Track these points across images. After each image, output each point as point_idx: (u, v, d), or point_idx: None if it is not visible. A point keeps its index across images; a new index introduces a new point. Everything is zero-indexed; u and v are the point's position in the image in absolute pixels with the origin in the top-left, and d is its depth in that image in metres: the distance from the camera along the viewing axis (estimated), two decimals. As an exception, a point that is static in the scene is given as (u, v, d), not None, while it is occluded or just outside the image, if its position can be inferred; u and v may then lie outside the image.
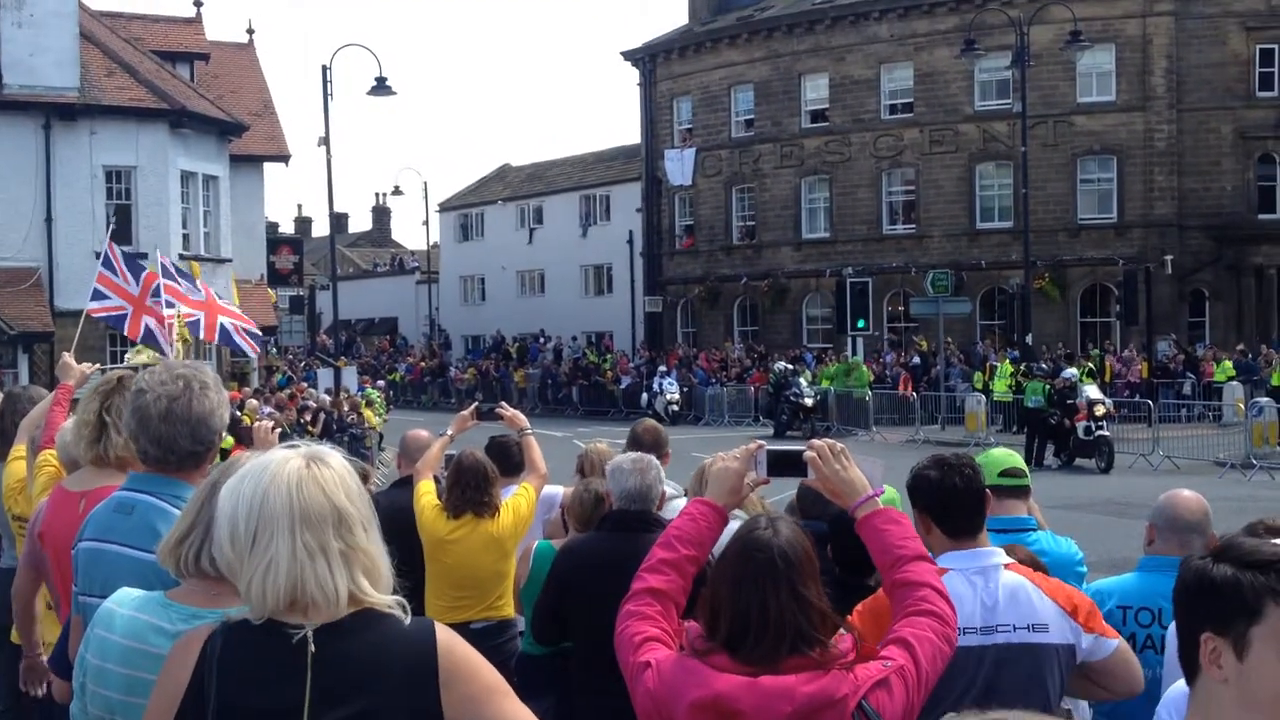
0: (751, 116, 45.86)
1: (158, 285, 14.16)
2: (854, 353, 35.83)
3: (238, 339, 16.73)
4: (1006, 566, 3.72)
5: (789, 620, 2.76)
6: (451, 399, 45.15)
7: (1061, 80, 39.08)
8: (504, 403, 7.13)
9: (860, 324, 33.28)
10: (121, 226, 30.13)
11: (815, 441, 3.21)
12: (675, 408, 36.88)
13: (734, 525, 3.59)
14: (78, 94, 29.14)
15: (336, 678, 2.34)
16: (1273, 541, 2.19)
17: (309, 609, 2.35)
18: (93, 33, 30.63)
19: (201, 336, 15.86)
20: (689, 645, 2.86)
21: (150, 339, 14.33)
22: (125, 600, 2.81)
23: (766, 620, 2.76)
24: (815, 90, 44.24)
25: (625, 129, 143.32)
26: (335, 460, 2.47)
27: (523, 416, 6.76)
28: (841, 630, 2.87)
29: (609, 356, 45.17)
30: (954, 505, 3.75)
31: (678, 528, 3.15)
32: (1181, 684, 3.03)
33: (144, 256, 29.80)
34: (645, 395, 38.43)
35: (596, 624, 3.13)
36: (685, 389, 38.25)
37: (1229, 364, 32.04)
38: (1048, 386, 24.77)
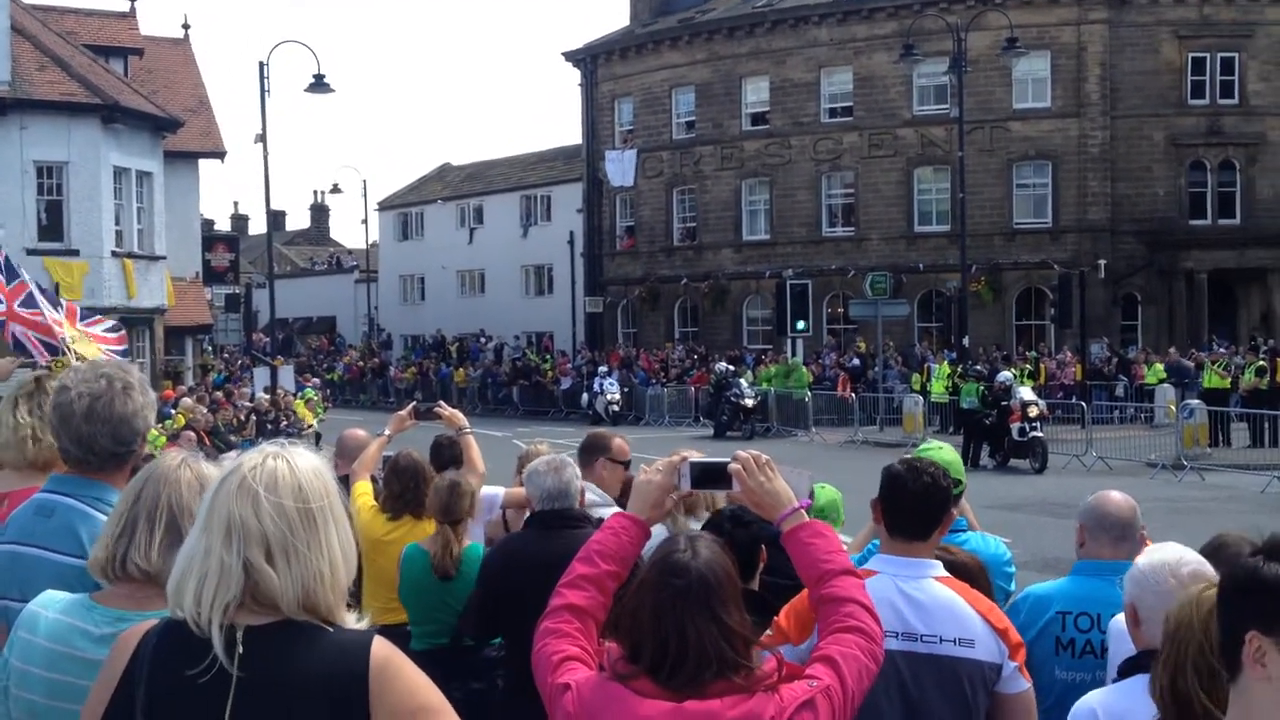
0: (692, 118, 46.00)
1: (29, 294, 13.78)
2: (793, 354, 36.03)
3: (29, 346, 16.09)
4: (939, 579, 3.72)
5: (710, 646, 2.69)
6: (391, 398, 44.89)
7: (998, 86, 39.57)
8: (442, 402, 7.10)
9: (800, 326, 33.47)
10: (53, 223, 29.66)
11: (740, 453, 3.14)
12: (616, 408, 36.90)
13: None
14: (8, 88, 28.60)
15: (262, 683, 2.31)
16: None
17: (212, 612, 2.33)
18: (24, 26, 30.09)
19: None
20: (610, 668, 2.77)
21: (20, 348, 13.97)
22: (50, 603, 2.76)
23: (686, 647, 2.69)
24: (756, 93, 44.45)
25: (566, 129, 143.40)
26: (289, 467, 2.41)
27: (461, 416, 6.71)
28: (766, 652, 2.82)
29: (549, 357, 45.11)
30: (898, 503, 3.76)
31: (599, 542, 3.07)
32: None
33: (75, 253, 29.45)
34: (586, 396, 38.43)
35: (525, 622, 3.11)
36: (626, 389, 38.28)
37: (1160, 367, 32.58)
38: (981, 388, 25.05)
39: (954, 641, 3.60)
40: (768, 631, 3.65)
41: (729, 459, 3.15)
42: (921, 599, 3.63)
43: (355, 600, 6.11)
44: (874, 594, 3.58)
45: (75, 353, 13.06)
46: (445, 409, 6.66)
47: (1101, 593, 4.39)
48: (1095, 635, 4.40)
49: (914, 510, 3.74)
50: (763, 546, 4.37)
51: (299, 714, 2.30)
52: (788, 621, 3.60)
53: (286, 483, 2.39)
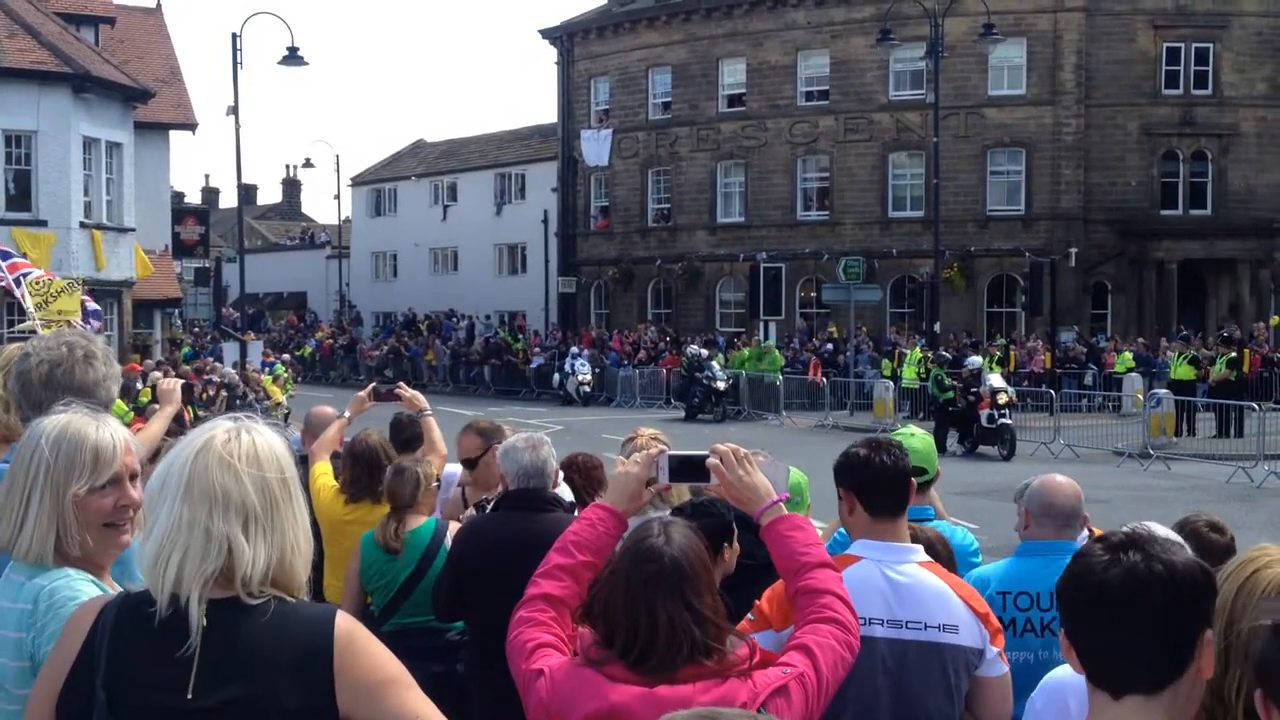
0: (669, 99, 45.87)
1: None
2: (766, 337, 36.04)
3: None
4: (922, 564, 3.71)
5: (682, 632, 2.72)
6: (361, 375, 44.70)
7: (974, 72, 39.61)
8: (402, 383, 7.04)
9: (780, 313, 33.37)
10: (21, 193, 29.34)
11: (718, 446, 3.14)
12: (587, 389, 36.86)
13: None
14: (-24, 55, 28.25)
15: (225, 656, 2.32)
16: None
17: (192, 584, 2.33)
18: (-8, -8, 29.70)
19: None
20: (583, 653, 2.80)
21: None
22: None
23: (657, 631, 2.71)
24: (733, 75, 44.37)
25: (542, 108, 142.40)
26: (261, 439, 2.43)
27: (421, 397, 6.63)
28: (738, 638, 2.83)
29: (521, 336, 44.99)
30: (876, 484, 3.73)
31: (575, 533, 3.09)
32: (1057, 674, 3.04)
33: (44, 224, 29.13)
34: (557, 376, 38.37)
35: (494, 603, 3.10)
36: (597, 370, 38.23)
37: (1129, 356, 32.78)
38: (940, 372, 25.13)
39: (939, 627, 3.60)
40: (749, 616, 3.66)
41: (707, 451, 3.14)
42: (907, 584, 3.63)
43: (318, 581, 6.04)
44: (860, 580, 3.58)
45: (39, 300, 12.84)
46: (405, 390, 6.58)
47: (1041, 571, 4.42)
48: (1035, 613, 4.43)
49: (889, 487, 3.72)
50: (734, 533, 4.34)
51: (262, 686, 2.32)
52: (769, 607, 3.59)
53: (265, 454, 2.42)
